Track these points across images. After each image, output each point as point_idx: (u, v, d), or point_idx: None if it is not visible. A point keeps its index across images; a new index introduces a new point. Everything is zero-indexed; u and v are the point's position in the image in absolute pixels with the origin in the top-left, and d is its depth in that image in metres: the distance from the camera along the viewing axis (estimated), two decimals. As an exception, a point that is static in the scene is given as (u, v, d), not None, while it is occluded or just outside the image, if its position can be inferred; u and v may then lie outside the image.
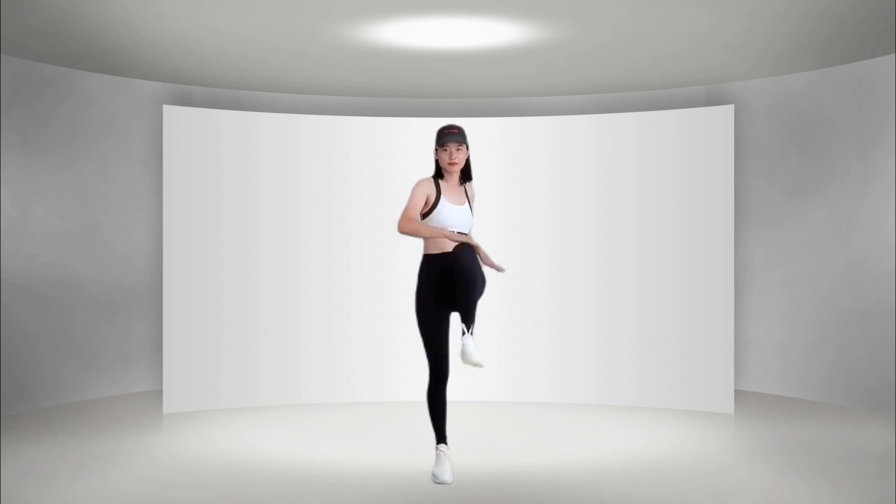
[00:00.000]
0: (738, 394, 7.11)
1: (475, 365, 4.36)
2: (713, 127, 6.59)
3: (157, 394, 7.21)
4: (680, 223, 6.73)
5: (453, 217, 4.58)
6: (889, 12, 5.44)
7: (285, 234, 6.91)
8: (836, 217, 6.91)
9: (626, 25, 5.72)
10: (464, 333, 4.42)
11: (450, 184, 4.65)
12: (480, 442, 5.59)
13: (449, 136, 4.59)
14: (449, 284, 4.46)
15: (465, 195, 4.69)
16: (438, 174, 4.68)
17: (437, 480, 4.62)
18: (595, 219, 6.94)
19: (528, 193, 7.04)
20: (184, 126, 6.62)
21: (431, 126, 7.00)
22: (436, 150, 4.64)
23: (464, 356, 4.37)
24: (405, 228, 4.49)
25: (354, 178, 7.02)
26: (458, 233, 4.58)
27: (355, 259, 7.01)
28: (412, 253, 6.58)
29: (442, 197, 4.58)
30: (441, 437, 4.73)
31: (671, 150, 6.76)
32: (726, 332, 6.53)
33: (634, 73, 7.06)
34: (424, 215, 4.57)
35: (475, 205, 4.82)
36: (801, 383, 7.14)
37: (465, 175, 4.72)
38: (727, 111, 6.55)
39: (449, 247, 4.51)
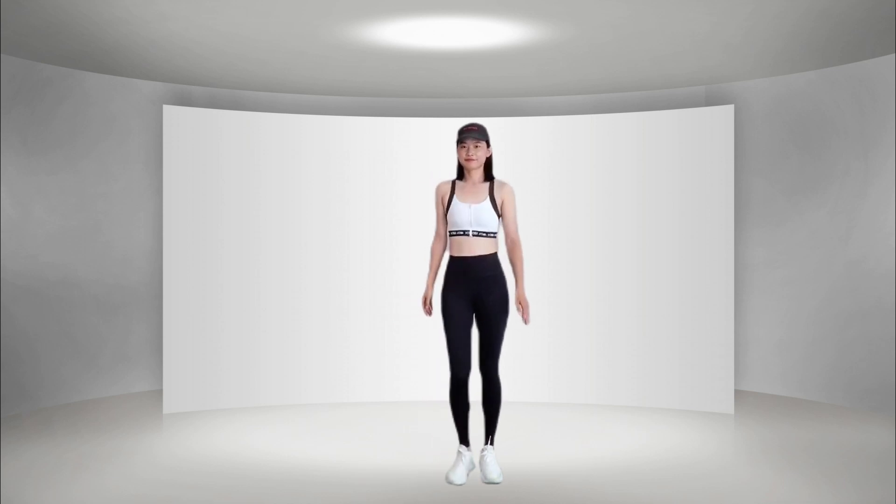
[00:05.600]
0: (738, 394, 7.11)
1: (491, 483, 4.62)
2: (713, 127, 6.59)
3: (157, 394, 7.20)
4: (680, 223, 6.73)
5: (463, 215, 4.59)
6: (889, 12, 5.44)
7: (285, 234, 6.91)
8: (836, 217, 6.91)
9: (626, 25, 5.72)
10: (484, 446, 4.72)
11: (468, 182, 4.67)
12: (480, 442, 5.57)
13: (468, 134, 4.61)
14: (467, 285, 4.61)
15: (488, 193, 4.64)
16: (460, 175, 4.72)
17: (447, 481, 4.65)
18: (595, 219, 6.94)
19: (529, 193, 7.01)
20: (184, 126, 6.62)
21: (431, 126, 7.07)
22: (456, 147, 4.67)
23: (482, 474, 4.66)
24: (431, 251, 4.84)
25: (354, 178, 7.02)
26: (474, 232, 4.58)
27: (355, 259, 7.01)
28: (412, 253, 6.60)
29: (454, 197, 4.64)
30: (462, 439, 4.77)
31: (671, 150, 6.76)
32: (726, 332, 6.53)
33: (634, 73, 7.06)
34: (445, 216, 4.71)
35: (513, 206, 4.66)
36: (801, 383, 7.14)
37: (487, 173, 4.71)
38: (727, 111, 6.55)
39: (467, 251, 4.60)
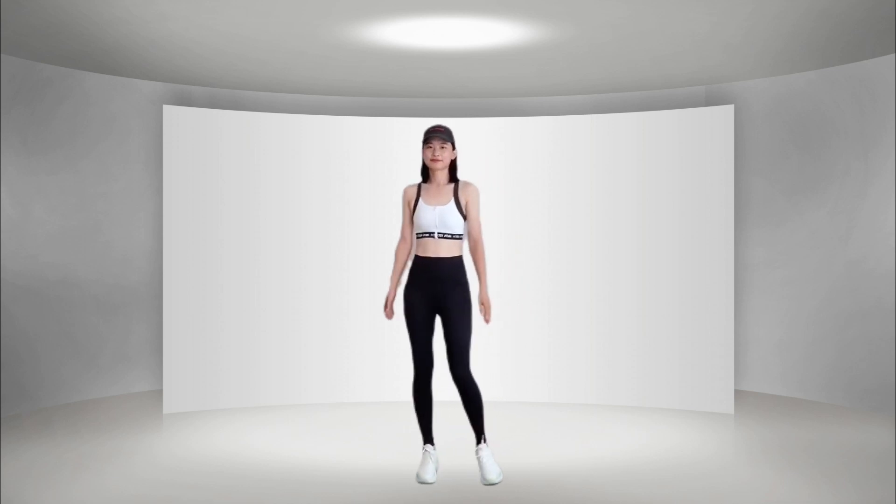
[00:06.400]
0: (738, 394, 7.11)
1: (490, 483, 4.60)
2: (713, 127, 6.59)
3: (157, 394, 7.21)
4: (680, 223, 6.73)
5: (428, 217, 4.62)
6: (889, 12, 5.44)
7: (285, 234, 6.91)
8: (836, 217, 6.91)
9: (626, 25, 5.72)
10: (477, 446, 4.69)
11: (433, 184, 4.70)
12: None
13: (434, 134, 4.64)
14: (429, 285, 4.63)
15: (452, 195, 4.66)
16: (426, 177, 4.74)
17: (419, 480, 4.65)
18: (595, 219, 6.94)
19: (528, 193, 7.04)
20: (184, 126, 6.62)
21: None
22: (422, 148, 4.69)
23: (481, 474, 4.64)
24: (395, 254, 4.84)
25: (354, 178, 7.02)
26: (440, 234, 4.60)
27: (355, 259, 7.01)
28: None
29: (420, 199, 4.67)
30: (426, 438, 4.77)
31: (671, 150, 6.76)
32: (726, 332, 6.53)
33: (634, 73, 7.06)
34: (411, 219, 4.73)
35: (476, 206, 4.68)
36: (801, 383, 7.14)
37: (452, 175, 4.73)
38: (727, 111, 6.55)
39: (432, 252, 4.62)
